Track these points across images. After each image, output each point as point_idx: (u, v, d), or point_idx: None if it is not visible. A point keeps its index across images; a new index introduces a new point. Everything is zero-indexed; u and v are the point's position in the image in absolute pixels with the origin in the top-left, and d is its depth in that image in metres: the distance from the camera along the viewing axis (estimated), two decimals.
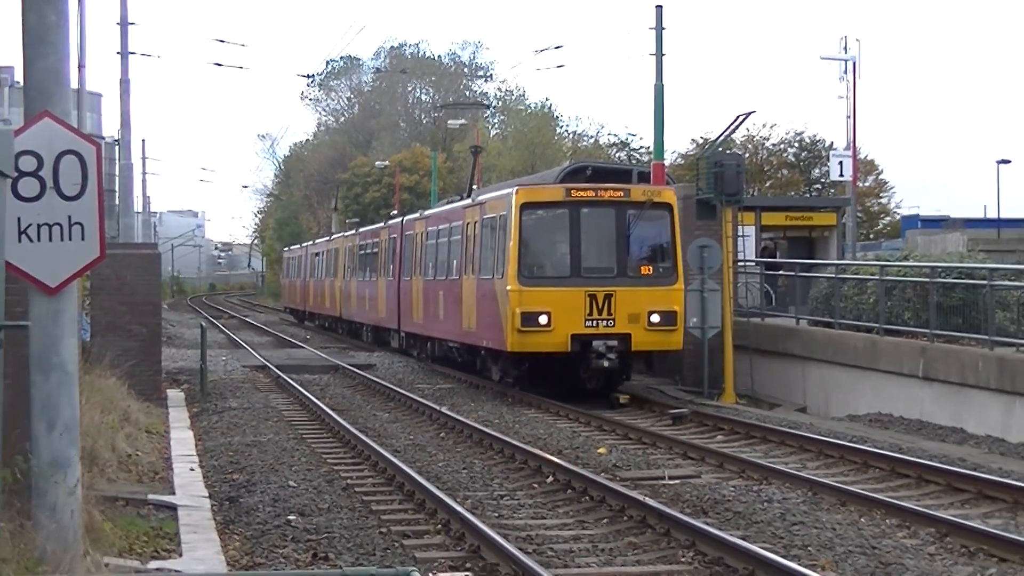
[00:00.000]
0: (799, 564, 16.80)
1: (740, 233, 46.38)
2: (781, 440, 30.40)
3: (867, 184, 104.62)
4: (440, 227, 49.26)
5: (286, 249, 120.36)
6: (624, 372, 40.11)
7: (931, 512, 20.65)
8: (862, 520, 20.34)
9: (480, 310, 40.93)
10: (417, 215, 56.67)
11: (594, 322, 37.09)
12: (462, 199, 51.58)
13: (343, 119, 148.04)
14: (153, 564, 16.21)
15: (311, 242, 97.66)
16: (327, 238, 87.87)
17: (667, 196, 39.30)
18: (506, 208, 38.68)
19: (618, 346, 37.08)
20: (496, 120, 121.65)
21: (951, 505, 22.28)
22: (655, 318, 37.56)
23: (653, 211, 38.43)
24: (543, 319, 36.87)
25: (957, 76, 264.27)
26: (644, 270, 38.82)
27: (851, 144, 58.40)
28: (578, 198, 38.25)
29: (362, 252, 69.33)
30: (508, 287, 37.53)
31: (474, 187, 56.00)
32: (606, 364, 36.89)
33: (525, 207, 38.29)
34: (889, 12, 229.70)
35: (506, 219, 38.45)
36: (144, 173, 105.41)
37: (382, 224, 66.01)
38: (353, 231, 75.51)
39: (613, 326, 37.16)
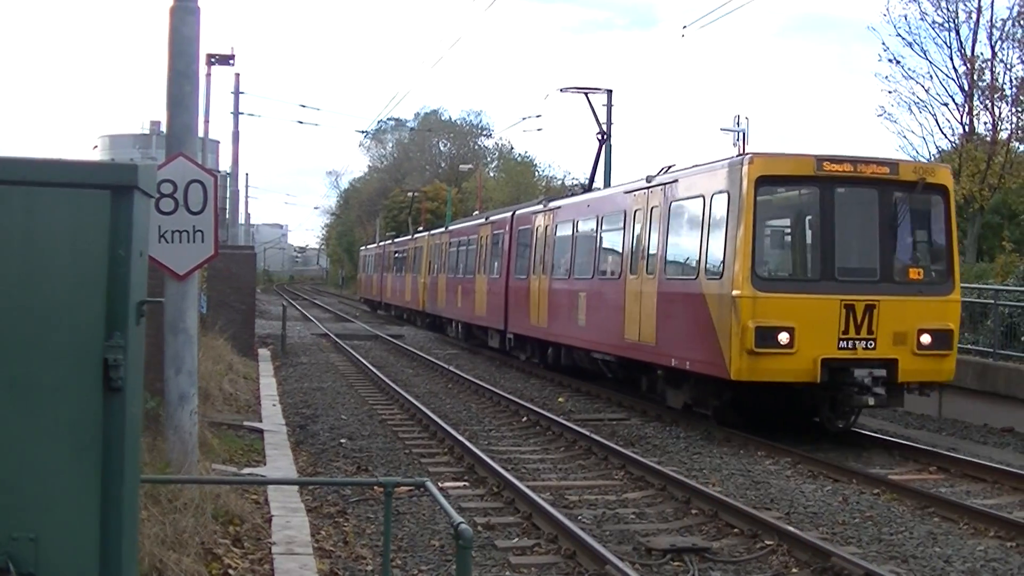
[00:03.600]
0: (696, 481, 16.86)
1: None
2: None
3: None
4: (581, 218, 31.55)
5: (363, 248, 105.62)
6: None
7: None
8: (741, 452, 20.41)
9: (666, 321, 24.14)
10: (537, 206, 37.34)
11: (850, 343, 20.87)
12: (586, 190, 35.60)
13: (387, 162, 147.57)
14: (246, 470, 16.25)
15: (390, 241, 79.46)
16: (409, 236, 70.04)
17: (942, 176, 22.39)
18: (725, 184, 21.98)
19: (885, 376, 20.89)
20: (493, 166, 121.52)
21: None
22: (925, 339, 21.33)
23: (924, 195, 22.03)
24: (783, 337, 20.63)
25: (830, 142, 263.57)
26: (913, 274, 22.17)
27: None
28: (832, 173, 21.35)
29: (453, 249, 50.91)
30: (735, 292, 20.95)
31: (593, 183, 38.44)
32: (872, 401, 20.84)
33: (762, 183, 21.35)
34: (772, 97, 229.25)
35: (723, 200, 21.94)
36: (247, 197, 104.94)
37: (479, 220, 47.61)
38: (442, 229, 57.13)
39: (874, 348, 20.99)
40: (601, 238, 29.60)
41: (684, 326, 23.36)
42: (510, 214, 40.50)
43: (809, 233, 22.30)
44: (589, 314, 29.78)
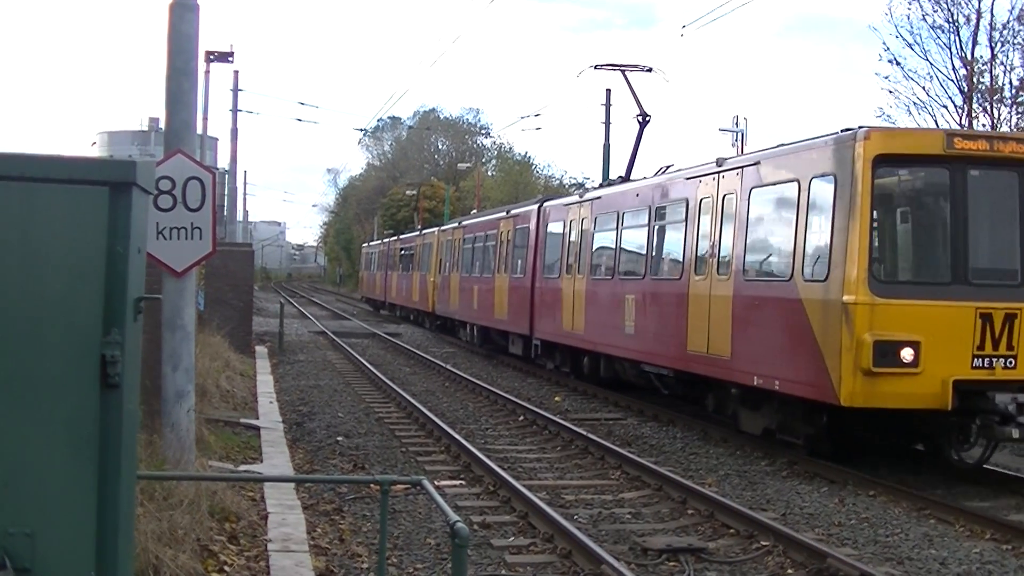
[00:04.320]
0: (692, 482, 16.87)
1: None
2: None
3: None
4: (629, 210, 26.99)
5: (365, 244, 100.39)
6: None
7: None
8: (737, 452, 20.41)
9: (744, 330, 20.07)
10: (570, 197, 34.15)
11: (987, 361, 16.93)
12: (623, 179, 30.36)
13: (385, 160, 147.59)
14: (243, 467, 16.28)
15: (395, 237, 74.84)
16: (417, 232, 65.04)
17: None
18: (830, 165, 18.05)
19: None
20: (491, 165, 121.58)
21: None
22: None
23: None
24: (907, 354, 16.76)
25: None
26: None
27: None
28: (965, 152, 17.35)
29: (468, 246, 45.98)
30: (847, 298, 17.08)
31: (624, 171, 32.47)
32: (1016, 434, 16.64)
33: (881, 163, 17.38)
34: (770, 98, 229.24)
35: (828, 185, 17.99)
36: (244, 194, 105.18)
37: (498, 213, 42.74)
38: (455, 223, 51.96)
39: (1015, 367, 17.03)
40: (655, 232, 25.31)
41: (771, 338, 19.24)
42: (536, 206, 35.90)
43: (937, 226, 18.26)
44: (640, 320, 25.51)
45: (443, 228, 54.95)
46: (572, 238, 31.62)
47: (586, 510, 15.42)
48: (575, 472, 18.55)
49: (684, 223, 23.30)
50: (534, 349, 35.32)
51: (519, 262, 37.08)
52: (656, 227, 25.23)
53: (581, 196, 31.67)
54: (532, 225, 35.71)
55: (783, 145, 20.57)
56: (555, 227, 33.45)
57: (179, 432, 13.93)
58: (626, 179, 30.30)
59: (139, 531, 9.19)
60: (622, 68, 32.49)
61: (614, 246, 27.91)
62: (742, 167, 21.12)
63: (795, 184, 19.04)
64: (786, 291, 18.92)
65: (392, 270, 70.97)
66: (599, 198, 29.73)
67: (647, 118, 31.82)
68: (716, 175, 22.11)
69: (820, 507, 15.87)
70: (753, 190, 20.60)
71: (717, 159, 22.35)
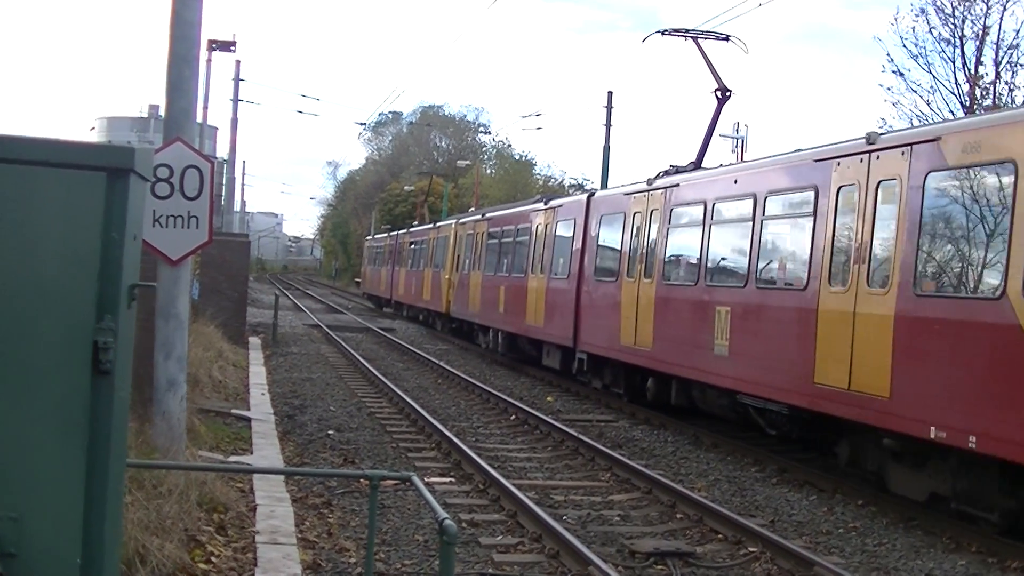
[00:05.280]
0: (682, 486, 16.86)
1: None
2: None
3: None
4: (723, 201, 22.05)
5: (369, 237, 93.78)
6: None
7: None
8: (728, 458, 20.39)
9: (912, 363, 15.40)
10: (632, 186, 27.65)
11: None
12: (696, 167, 25.33)
13: (385, 155, 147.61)
14: (233, 458, 16.25)
15: (405, 230, 68.76)
16: (431, 225, 58.59)
17: None
18: None
19: None
20: (491, 163, 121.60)
21: None
22: None
23: None
24: None
25: None
26: None
27: None
28: None
29: (494, 241, 40.31)
30: None
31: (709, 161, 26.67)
32: None
33: None
34: (773, 105, 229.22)
35: None
36: (243, 184, 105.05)
37: (534, 205, 36.78)
38: (478, 215, 45.75)
39: None
40: (764, 228, 20.43)
41: (967, 377, 14.43)
42: (585, 196, 31.08)
43: None
44: (738, 339, 20.59)
45: (462, 220, 48.73)
46: (636, 234, 26.31)
47: (575, 511, 15.41)
48: (565, 473, 18.54)
49: (811, 217, 18.51)
50: (579, 364, 29.71)
51: (560, 260, 32.03)
52: (765, 222, 20.33)
53: (650, 183, 25.90)
54: (578, 218, 30.71)
55: (976, 114, 16.67)
56: (611, 220, 28.29)
57: (170, 421, 13.93)
58: (698, 165, 25.44)
59: (127, 519, 9.17)
60: (695, 35, 26.97)
61: (699, 245, 22.72)
62: (911, 144, 16.19)
63: (1011, 166, 14.07)
64: (995, 313, 13.99)
65: (400, 266, 65.43)
66: (676, 186, 24.49)
67: (728, 93, 26.26)
68: (865, 155, 17.21)
69: (809, 515, 15.86)
70: (931, 175, 15.67)
71: (868, 135, 17.33)
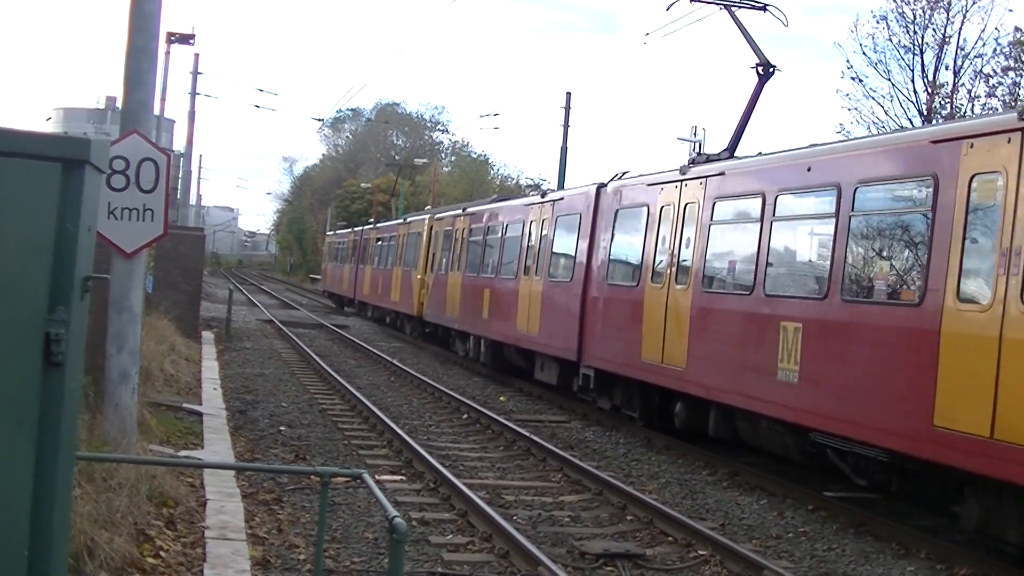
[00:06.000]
0: (633, 488, 16.89)
1: None
2: None
3: None
4: (786, 193, 18.33)
5: (331, 232, 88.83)
6: None
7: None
8: (680, 460, 20.44)
9: None
10: (661, 174, 23.13)
11: None
12: (730, 152, 21.86)
13: (342, 151, 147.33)
14: (184, 452, 16.20)
15: (371, 224, 65.00)
16: (402, 220, 54.29)
17: None
18: None
19: None
20: (448, 161, 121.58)
21: None
22: None
23: None
24: None
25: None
26: None
27: None
28: None
29: (477, 238, 36.46)
30: None
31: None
32: None
33: None
34: (731, 109, 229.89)
35: None
36: (199, 178, 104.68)
37: (529, 199, 32.95)
38: (457, 210, 41.48)
39: None
40: (852, 228, 16.29)
41: None
42: (592, 189, 26.49)
43: None
44: (812, 364, 16.56)
45: (439, 215, 44.30)
46: (663, 231, 22.26)
47: (526, 511, 15.41)
48: (516, 473, 18.54)
49: (929, 216, 14.55)
50: (585, 381, 25.54)
51: (561, 262, 28.18)
52: (852, 221, 16.25)
53: (683, 171, 21.87)
54: (584, 213, 26.61)
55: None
56: (629, 216, 24.25)
57: (121, 414, 13.87)
58: (731, 153, 21.93)
59: (76, 512, 9.12)
60: (728, 4, 23.29)
61: (756, 246, 18.68)
62: None
63: None
64: None
65: (365, 264, 60.96)
66: (720, 175, 20.47)
67: (771, 69, 22.40)
68: (1018, 133, 13.18)
69: (759, 519, 15.92)
70: None
71: (1021, 110, 13.49)
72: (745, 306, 18.73)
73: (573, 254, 26.94)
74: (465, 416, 24.38)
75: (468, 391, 29.24)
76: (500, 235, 33.76)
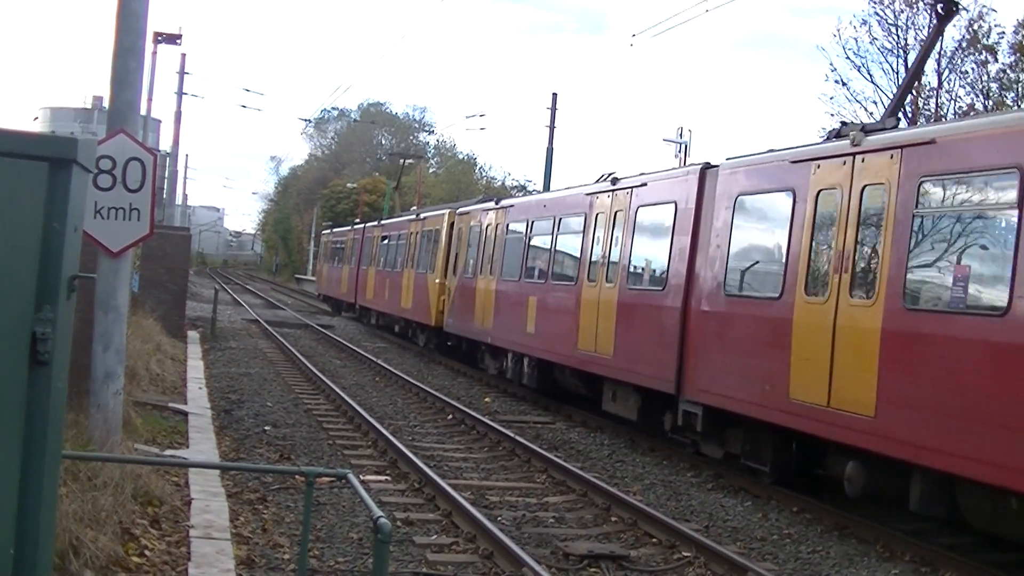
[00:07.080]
0: (617, 489, 16.90)
1: None
2: None
3: None
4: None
5: (327, 231, 78.47)
6: None
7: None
8: (664, 462, 20.45)
9: None
10: (822, 147, 16.77)
11: None
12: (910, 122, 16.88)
13: (328, 151, 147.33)
14: (168, 451, 16.18)
15: (376, 222, 57.13)
16: (412, 216, 47.23)
17: None
18: None
19: None
20: (434, 161, 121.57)
21: None
22: None
23: None
24: None
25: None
26: None
27: None
28: None
29: (513, 236, 30.79)
30: None
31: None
32: None
33: None
34: (716, 112, 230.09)
35: None
36: (185, 178, 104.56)
37: (590, 187, 25.78)
38: (487, 203, 35.20)
39: None
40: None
41: None
42: (696, 172, 20.76)
43: None
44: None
45: (462, 210, 38.09)
46: (826, 224, 16.27)
47: (510, 512, 15.42)
48: (501, 473, 18.54)
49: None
50: (682, 417, 19.98)
51: (646, 264, 22.63)
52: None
53: (855, 142, 15.69)
54: (682, 202, 20.94)
55: None
56: (760, 205, 18.60)
57: (106, 413, 13.84)
58: (894, 113, 17.50)
59: (61, 511, 9.10)
60: None
61: (1005, 247, 12.86)
62: None
63: None
64: None
65: (369, 265, 54.63)
66: (927, 143, 14.32)
67: (956, 7, 17.87)
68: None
69: (744, 521, 15.94)
70: None
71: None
72: (983, 333, 12.87)
73: (667, 255, 21.14)
74: (450, 417, 24.38)
75: (453, 392, 29.23)
76: (552, 233, 27.67)
